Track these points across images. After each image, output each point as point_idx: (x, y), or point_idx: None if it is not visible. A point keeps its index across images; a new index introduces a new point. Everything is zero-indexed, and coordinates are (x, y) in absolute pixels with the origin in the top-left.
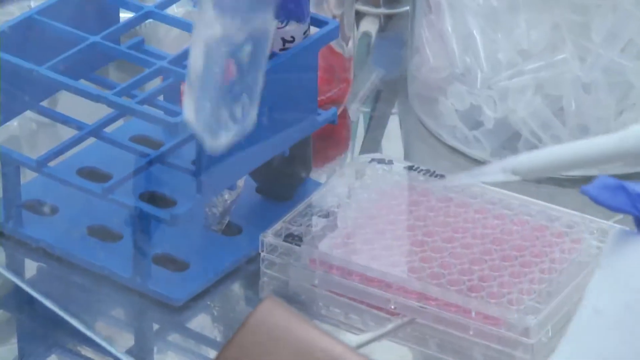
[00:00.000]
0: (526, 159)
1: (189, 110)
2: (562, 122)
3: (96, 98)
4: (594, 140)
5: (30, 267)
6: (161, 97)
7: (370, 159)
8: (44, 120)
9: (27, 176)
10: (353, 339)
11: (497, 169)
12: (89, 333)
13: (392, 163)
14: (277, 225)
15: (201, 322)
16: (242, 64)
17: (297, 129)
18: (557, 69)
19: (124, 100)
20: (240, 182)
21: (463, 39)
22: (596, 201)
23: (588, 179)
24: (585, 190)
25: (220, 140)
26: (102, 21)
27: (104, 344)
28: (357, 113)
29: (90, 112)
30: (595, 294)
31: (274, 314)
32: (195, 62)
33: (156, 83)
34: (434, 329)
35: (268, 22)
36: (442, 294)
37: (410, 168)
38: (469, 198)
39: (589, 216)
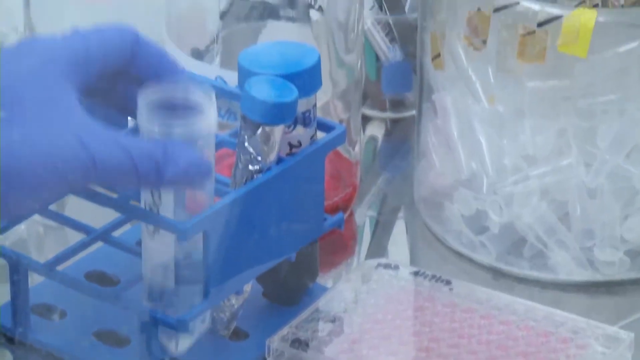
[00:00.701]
0: None
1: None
2: (568, 227)
3: (104, 203)
4: None
5: None
6: None
7: (376, 264)
8: (52, 223)
9: (35, 279)
10: None
11: None
12: None
13: (398, 268)
14: (284, 330)
15: None
16: None
17: (304, 234)
18: (563, 175)
19: (132, 205)
20: (247, 287)
21: (469, 144)
22: None
23: (593, 284)
24: None
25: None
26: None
27: None
28: (363, 217)
29: (97, 215)
30: None
31: None
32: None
33: None
34: None
35: None
36: None
37: (416, 273)
38: (475, 303)
39: (594, 322)
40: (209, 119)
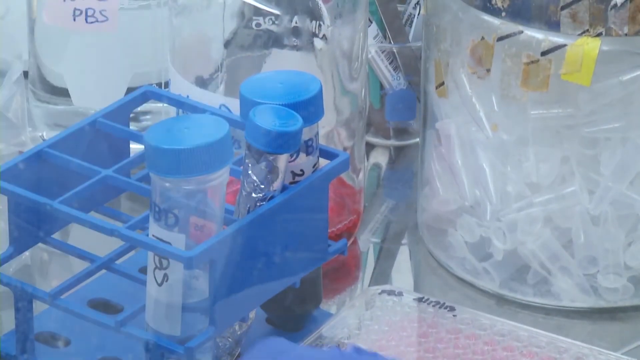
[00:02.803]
0: None
1: None
2: (571, 254)
3: (110, 232)
4: None
5: None
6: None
7: (380, 291)
8: (56, 250)
9: (39, 306)
10: None
11: None
12: None
13: (402, 295)
14: None
15: None
16: None
17: (308, 261)
18: (566, 202)
19: (138, 235)
20: (252, 314)
21: (472, 171)
22: None
23: (597, 311)
24: None
25: None
26: (113, 153)
27: None
28: (367, 244)
29: (101, 242)
30: None
31: None
32: None
33: None
34: None
35: None
36: None
37: (420, 300)
38: (478, 330)
39: (597, 348)
40: None
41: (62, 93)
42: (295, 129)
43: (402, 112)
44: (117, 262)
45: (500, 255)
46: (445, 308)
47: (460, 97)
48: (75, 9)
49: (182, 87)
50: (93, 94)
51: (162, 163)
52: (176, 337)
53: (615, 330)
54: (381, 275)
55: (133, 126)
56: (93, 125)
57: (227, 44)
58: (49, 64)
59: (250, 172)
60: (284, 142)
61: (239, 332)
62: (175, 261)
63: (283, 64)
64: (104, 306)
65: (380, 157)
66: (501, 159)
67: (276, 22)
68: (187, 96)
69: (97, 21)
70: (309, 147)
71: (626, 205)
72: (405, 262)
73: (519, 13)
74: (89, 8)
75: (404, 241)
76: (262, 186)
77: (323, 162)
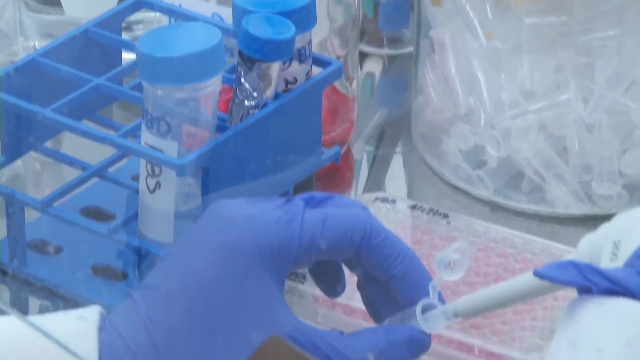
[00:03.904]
0: (465, 302)
1: None
2: (566, 162)
3: (102, 140)
4: (522, 279)
5: (34, 305)
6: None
7: (373, 198)
8: (48, 159)
9: (31, 215)
10: None
11: (440, 314)
12: None
13: (396, 202)
14: None
15: None
16: None
17: (301, 168)
18: (561, 110)
19: (130, 142)
20: None
21: (467, 79)
22: (550, 280)
23: (591, 218)
24: (537, 272)
25: None
26: (105, 63)
27: None
28: (361, 152)
29: (93, 150)
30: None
31: (278, 353)
32: None
33: None
34: None
35: None
36: (444, 331)
37: (413, 207)
38: (472, 236)
39: None
40: None
41: (54, 2)
42: (287, 36)
43: (396, 21)
44: (110, 170)
45: (494, 162)
46: (439, 215)
47: (455, 5)
48: None
49: None
50: (85, 3)
51: (154, 71)
52: (169, 245)
53: None
54: (375, 183)
55: (125, 36)
56: (85, 34)
57: None
58: None
59: (243, 80)
60: (277, 49)
61: None
62: (167, 169)
63: None
64: (96, 214)
65: (373, 66)
66: (495, 67)
67: None
68: (180, 5)
69: None
70: (301, 55)
71: (621, 113)
72: (399, 170)
73: None
74: None
75: (397, 149)
76: (255, 94)
77: (316, 70)
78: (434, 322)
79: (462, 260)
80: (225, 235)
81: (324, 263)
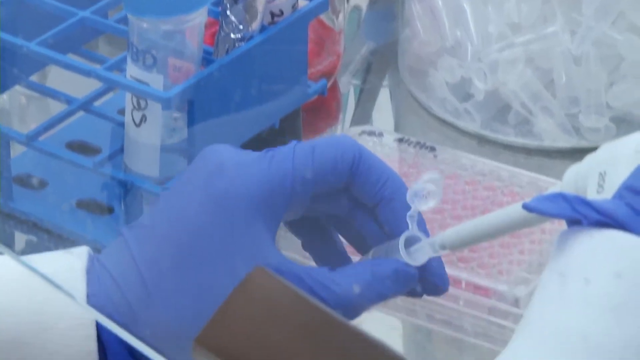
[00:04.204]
0: (452, 233)
1: None
2: (553, 95)
3: (87, 73)
4: (509, 210)
5: (20, 239)
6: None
7: (360, 131)
8: (34, 93)
9: (16, 150)
10: None
11: (426, 246)
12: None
13: (383, 135)
14: None
15: None
16: None
17: (287, 101)
18: (548, 42)
19: (115, 75)
20: None
21: (453, 12)
22: (539, 212)
23: (578, 151)
24: (526, 205)
25: None
26: None
27: None
28: (348, 85)
29: (79, 85)
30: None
31: (263, 283)
32: None
33: None
34: (423, 299)
35: None
36: None
37: (400, 140)
38: (459, 170)
39: None
40: None
41: None
42: None
43: None
44: (95, 103)
45: (481, 95)
46: (426, 148)
47: None
48: None
49: None
50: None
51: (140, 3)
52: (154, 178)
53: None
54: (362, 117)
55: None
56: None
57: None
58: None
59: (228, 12)
60: None
61: None
62: (153, 102)
63: None
64: (82, 148)
65: None
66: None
67: None
68: None
69: None
70: None
71: (608, 46)
72: (386, 103)
73: None
74: None
75: (384, 82)
76: (241, 26)
77: (302, 3)
78: (420, 254)
79: (436, 191)
80: (217, 180)
81: (318, 236)
